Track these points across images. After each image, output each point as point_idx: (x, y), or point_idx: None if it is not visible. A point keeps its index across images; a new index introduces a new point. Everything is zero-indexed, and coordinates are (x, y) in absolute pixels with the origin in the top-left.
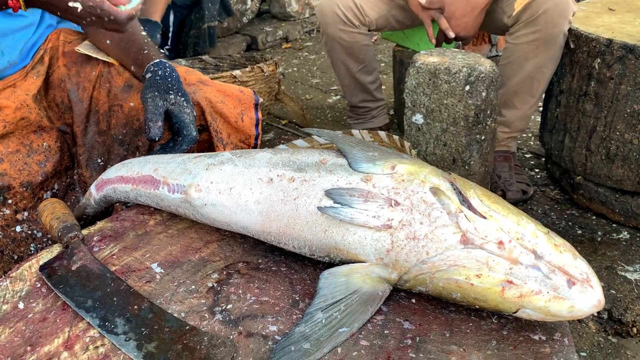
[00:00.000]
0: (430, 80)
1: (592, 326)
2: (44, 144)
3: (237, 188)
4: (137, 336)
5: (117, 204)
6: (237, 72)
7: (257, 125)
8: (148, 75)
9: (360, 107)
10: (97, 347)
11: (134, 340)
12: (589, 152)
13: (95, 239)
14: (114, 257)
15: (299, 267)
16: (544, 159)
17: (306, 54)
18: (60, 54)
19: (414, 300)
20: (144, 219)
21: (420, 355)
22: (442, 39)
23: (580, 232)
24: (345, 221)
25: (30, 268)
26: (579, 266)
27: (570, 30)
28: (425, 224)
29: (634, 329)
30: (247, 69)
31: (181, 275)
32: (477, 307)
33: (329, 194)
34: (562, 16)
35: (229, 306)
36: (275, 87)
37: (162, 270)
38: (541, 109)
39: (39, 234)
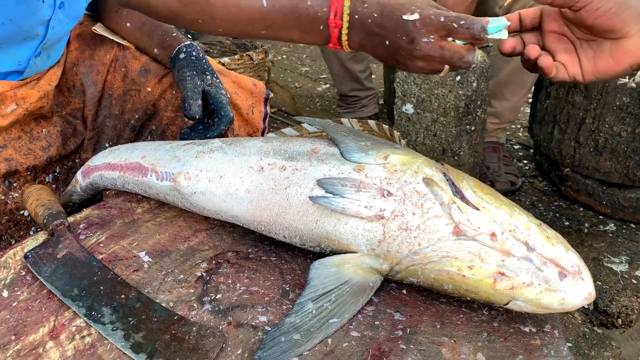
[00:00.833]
0: None
1: (577, 317)
2: (43, 130)
3: (227, 176)
4: (124, 326)
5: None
6: (225, 60)
7: (264, 119)
8: (182, 56)
9: (350, 96)
10: (83, 337)
11: (121, 330)
12: (578, 144)
13: (81, 226)
14: (101, 245)
15: (289, 257)
16: (532, 151)
17: None
18: (73, 37)
19: (405, 292)
20: (132, 206)
21: (411, 346)
22: None
23: (567, 223)
24: (337, 211)
25: (14, 255)
26: (571, 258)
27: None
28: (418, 215)
29: (619, 320)
30: (236, 56)
31: (169, 265)
32: (468, 298)
33: (320, 183)
34: None
35: (218, 296)
36: (265, 75)
37: (150, 259)
38: (530, 100)
39: None
